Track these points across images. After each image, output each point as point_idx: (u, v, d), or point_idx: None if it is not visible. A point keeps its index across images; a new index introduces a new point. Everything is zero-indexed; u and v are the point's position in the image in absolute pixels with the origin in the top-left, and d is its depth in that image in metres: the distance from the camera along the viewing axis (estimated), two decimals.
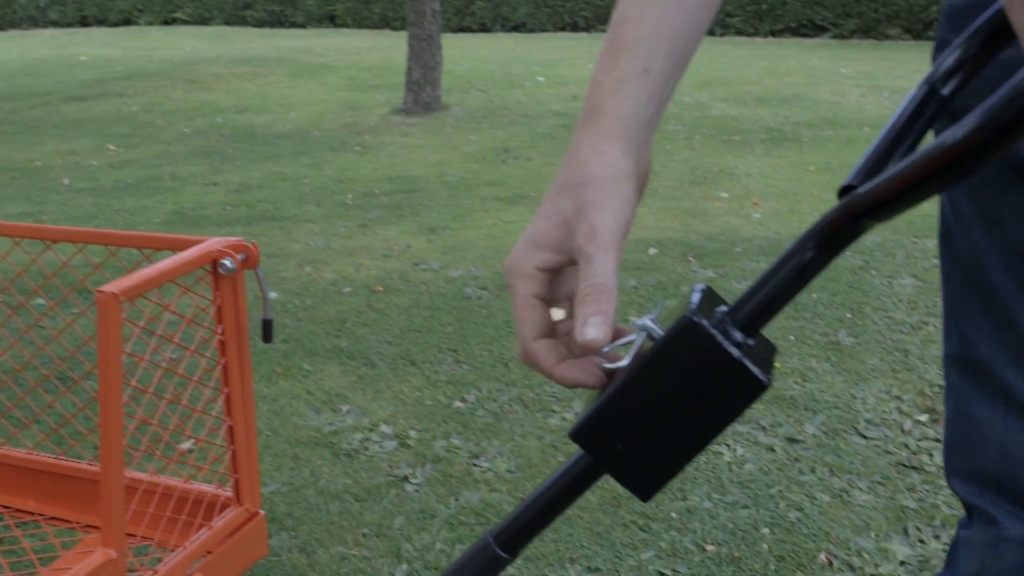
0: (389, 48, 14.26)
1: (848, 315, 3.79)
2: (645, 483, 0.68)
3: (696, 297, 0.67)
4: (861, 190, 0.59)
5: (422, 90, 8.85)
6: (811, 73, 11.04)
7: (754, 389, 0.65)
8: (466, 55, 13.27)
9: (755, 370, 0.64)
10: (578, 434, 0.69)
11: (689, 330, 0.65)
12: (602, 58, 0.77)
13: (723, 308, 0.67)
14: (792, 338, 3.56)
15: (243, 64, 12.82)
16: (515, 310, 0.74)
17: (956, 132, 0.54)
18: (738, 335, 0.65)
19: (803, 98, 9.18)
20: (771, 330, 3.61)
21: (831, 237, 0.61)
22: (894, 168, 0.57)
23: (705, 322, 0.64)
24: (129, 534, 1.53)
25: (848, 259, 4.47)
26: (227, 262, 1.43)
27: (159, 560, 1.45)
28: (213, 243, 1.44)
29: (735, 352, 0.64)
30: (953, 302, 1.06)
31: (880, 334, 3.60)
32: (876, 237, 4.79)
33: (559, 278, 0.75)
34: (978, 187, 0.99)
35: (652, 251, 4.63)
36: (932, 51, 1.01)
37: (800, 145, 7.18)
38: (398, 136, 7.90)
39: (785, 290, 0.64)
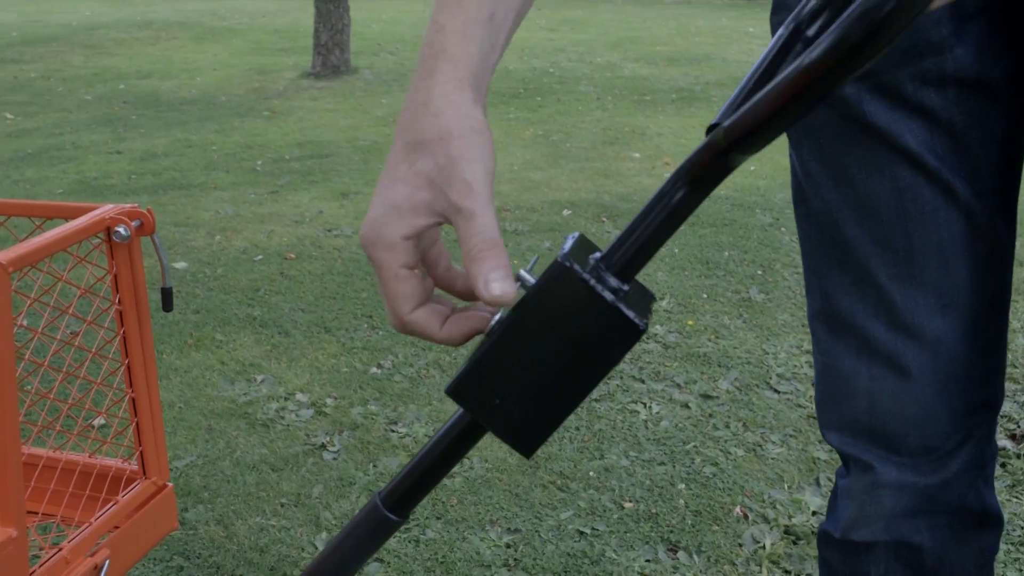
0: (296, 11, 13.99)
1: (759, 272, 3.84)
2: (526, 438, 0.67)
3: (568, 244, 0.65)
4: (724, 124, 0.58)
5: (331, 53, 8.71)
6: (720, 33, 11.14)
7: (630, 334, 0.63)
8: (374, 17, 13.09)
9: (630, 314, 0.62)
10: (455, 390, 0.67)
11: (561, 275, 0.63)
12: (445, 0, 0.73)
13: (597, 255, 0.65)
14: (704, 296, 3.60)
15: (144, 28, 12.46)
16: (384, 285, 0.69)
17: (811, 54, 0.53)
18: (613, 281, 0.63)
19: (712, 58, 9.26)
20: (683, 289, 3.64)
21: (700, 176, 0.60)
22: (753, 99, 0.56)
23: (577, 267, 0.63)
24: (31, 512, 1.48)
25: (759, 217, 4.52)
26: (121, 229, 1.38)
27: (64, 537, 1.41)
28: (106, 210, 1.39)
29: (609, 296, 0.62)
30: (812, 259, 1.07)
31: (790, 290, 3.65)
32: (785, 195, 4.85)
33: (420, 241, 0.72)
34: (825, 146, 0.99)
35: (566, 212, 4.63)
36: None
37: (710, 104, 7.24)
38: (307, 100, 7.76)
39: (658, 233, 0.62)
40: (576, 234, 0.68)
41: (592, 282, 0.62)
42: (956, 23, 0.89)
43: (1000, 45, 0.91)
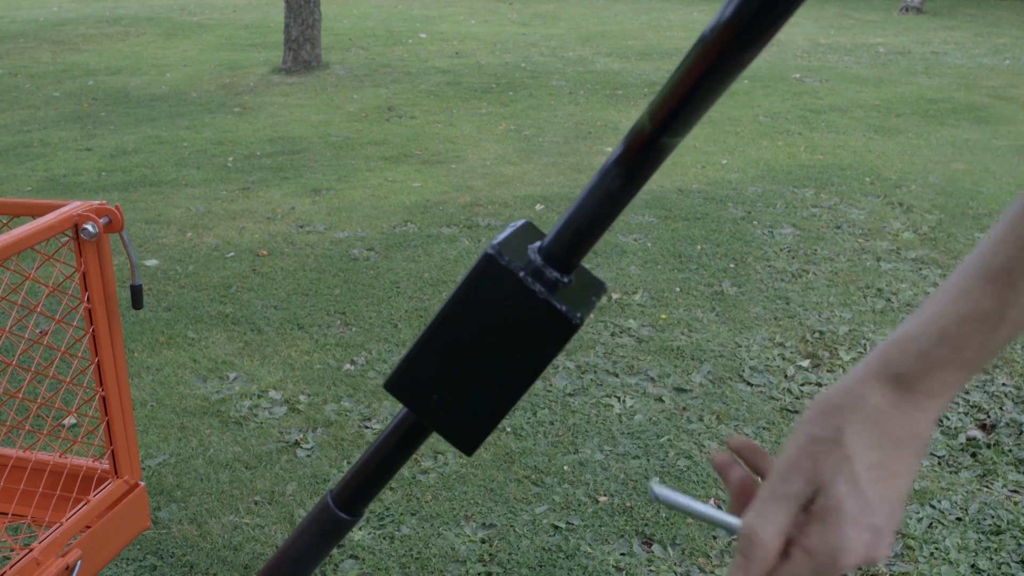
0: (266, 6, 13.91)
1: (732, 265, 3.85)
2: (467, 436, 0.65)
3: (506, 232, 0.63)
4: (648, 109, 0.57)
5: (302, 48, 8.66)
6: (691, 27, 11.16)
7: (563, 329, 0.60)
8: (346, 12, 13.03)
9: (562, 308, 0.60)
10: (391, 384, 0.65)
11: (489, 266, 0.60)
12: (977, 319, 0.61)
13: (537, 244, 0.63)
14: (677, 289, 3.61)
15: (113, 24, 12.34)
16: None
17: (710, 28, 0.52)
18: (551, 272, 0.61)
19: (684, 52, 9.27)
20: (656, 283, 3.65)
21: (632, 162, 0.58)
22: (669, 81, 0.56)
23: (506, 258, 0.60)
24: (0, 513, 1.46)
25: (731, 210, 4.54)
26: (89, 226, 1.36)
27: (35, 538, 1.39)
28: (74, 207, 1.37)
29: (539, 289, 0.60)
30: None
31: (762, 283, 3.67)
32: (757, 188, 4.87)
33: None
34: None
35: (539, 207, 4.63)
36: None
37: None
38: (279, 96, 7.72)
39: (596, 221, 0.60)
40: (521, 221, 0.65)
41: (521, 274, 0.60)
42: None
43: None
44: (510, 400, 0.63)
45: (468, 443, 0.65)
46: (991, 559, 2.09)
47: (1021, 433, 2.58)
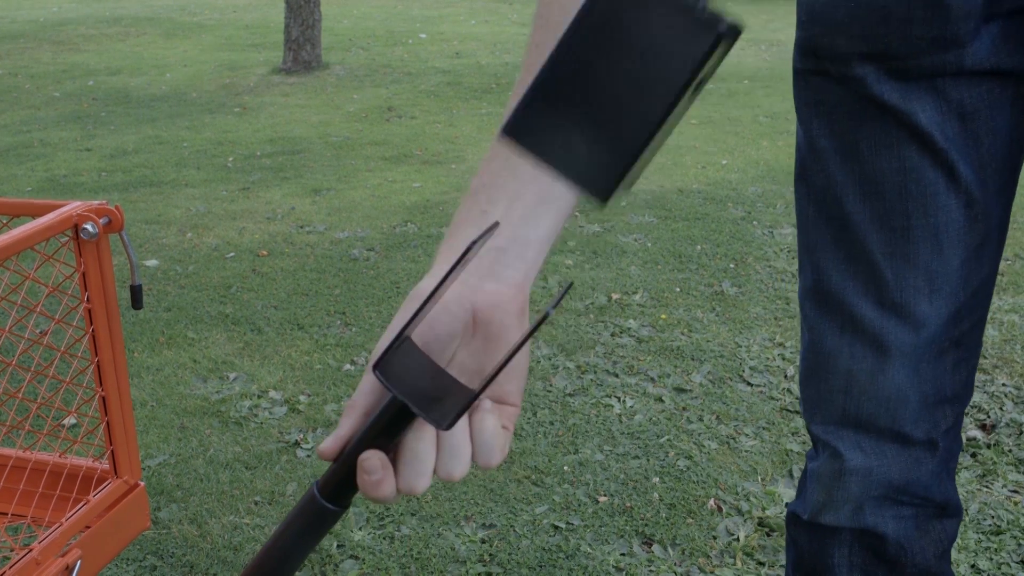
0: (266, 6, 13.91)
1: (732, 265, 3.85)
2: (599, 180, 0.59)
3: None
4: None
5: (302, 49, 8.67)
6: None
7: (705, 36, 0.53)
8: (346, 12, 13.03)
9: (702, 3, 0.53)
10: (510, 128, 0.59)
11: None
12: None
13: None
14: (677, 290, 3.61)
15: (113, 24, 12.35)
16: None
17: None
18: None
19: None
20: (656, 283, 3.65)
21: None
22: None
23: None
24: (0, 512, 1.47)
25: (731, 211, 4.54)
26: (89, 227, 1.36)
27: (34, 538, 1.39)
28: (73, 207, 1.37)
29: None
30: (807, 236, 1.10)
31: (762, 283, 3.67)
32: (757, 188, 4.88)
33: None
34: (837, 122, 1.02)
35: None
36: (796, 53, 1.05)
37: None
38: (279, 96, 7.72)
39: None
40: None
41: None
42: (979, 21, 0.92)
43: (1017, 42, 0.94)
44: (644, 134, 0.56)
45: (601, 188, 0.59)
46: (991, 559, 2.09)
47: (1021, 433, 2.58)
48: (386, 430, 0.64)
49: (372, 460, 0.63)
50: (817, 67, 1.02)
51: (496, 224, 0.64)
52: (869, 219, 1.02)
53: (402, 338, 0.61)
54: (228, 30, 11.67)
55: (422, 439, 0.63)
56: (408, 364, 0.63)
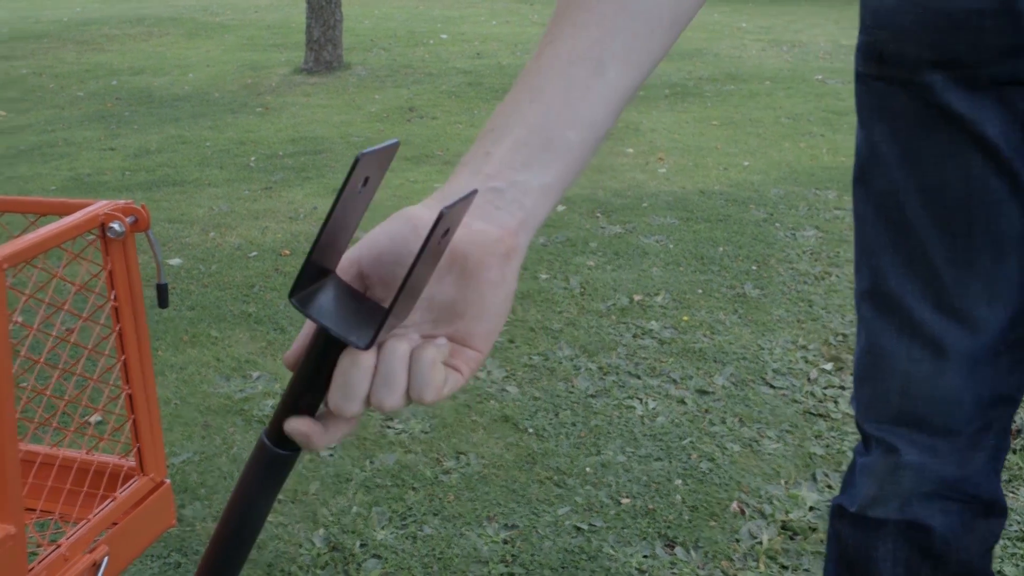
0: (288, 6, 13.96)
1: (754, 267, 3.84)
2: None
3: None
4: None
5: (323, 49, 8.69)
6: (712, 28, 11.13)
7: None
8: (367, 12, 13.06)
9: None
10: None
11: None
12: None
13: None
14: (700, 291, 3.59)
15: (136, 24, 12.42)
16: None
17: None
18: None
19: (705, 53, 9.25)
20: (678, 284, 3.64)
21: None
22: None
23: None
24: (28, 509, 1.47)
25: (753, 212, 4.52)
26: (116, 225, 1.37)
27: (62, 534, 1.40)
28: (100, 206, 1.38)
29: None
30: (865, 239, 1.11)
31: (785, 285, 3.65)
32: (779, 190, 4.86)
33: None
34: (901, 129, 1.03)
35: (560, 208, 4.63)
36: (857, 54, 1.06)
37: (703, 100, 7.24)
38: (300, 96, 7.74)
39: None
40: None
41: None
42: None
43: None
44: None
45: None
46: (1017, 565, 2.07)
47: None
48: (317, 362, 0.64)
49: (297, 428, 0.65)
50: (881, 72, 1.01)
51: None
52: (930, 224, 1.03)
53: (311, 263, 0.61)
54: (250, 30, 11.71)
55: (356, 364, 0.62)
56: (332, 294, 0.63)
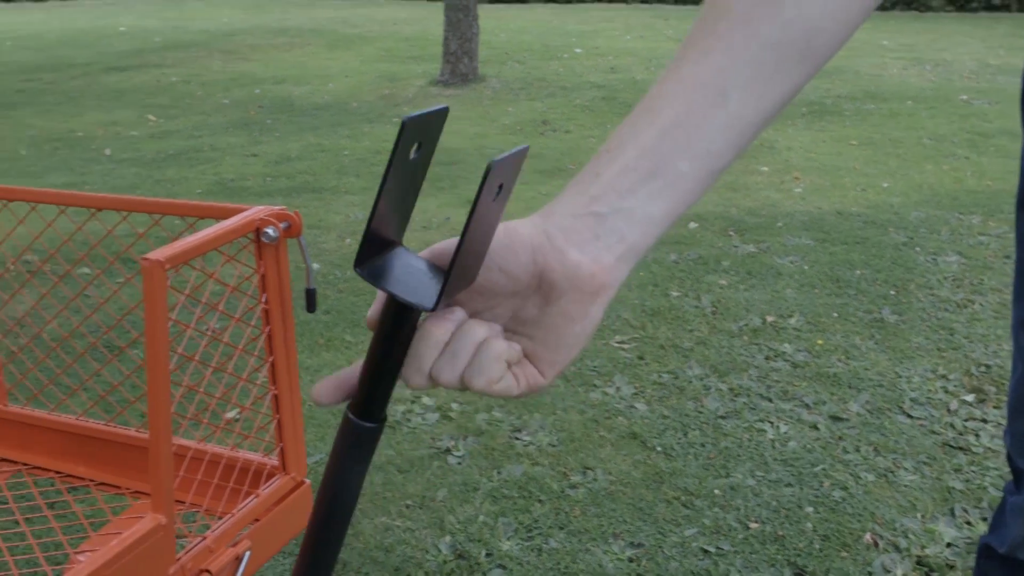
0: (426, 19, 14.20)
1: (892, 292, 3.73)
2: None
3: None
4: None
5: (459, 61, 8.81)
6: (852, 45, 10.87)
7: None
8: (503, 26, 13.19)
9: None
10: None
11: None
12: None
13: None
14: (835, 315, 3.51)
15: (280, 35, 12.82)
16: None
17: None
18: None
19: (844, 71, 9.05)
20: (812, 307, 3.57)
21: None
22: None
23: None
24: (178, 501, 1.53)
25: (892, 235, 4.40)
26: (270, 230, 1.42)
27: (207, 527, 1.45)
28: (256, 211, 1.43)
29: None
30: None
31: (925, 312, 3.54)
32: (920, 213, 4.71)
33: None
34: None
35: (692, 225, 4.59)
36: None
37: (842, 118, 7.08)
38: None
39: None
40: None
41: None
42: None
43: None
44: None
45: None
46: None
47: None
48: (390, 329, 0.65)
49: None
50: None
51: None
52: None
53: (372, 233, 0.62)
54: (388, 42, 11.96)
55: (423, 339, 0.63)
56: (399, 263, 0.65)
